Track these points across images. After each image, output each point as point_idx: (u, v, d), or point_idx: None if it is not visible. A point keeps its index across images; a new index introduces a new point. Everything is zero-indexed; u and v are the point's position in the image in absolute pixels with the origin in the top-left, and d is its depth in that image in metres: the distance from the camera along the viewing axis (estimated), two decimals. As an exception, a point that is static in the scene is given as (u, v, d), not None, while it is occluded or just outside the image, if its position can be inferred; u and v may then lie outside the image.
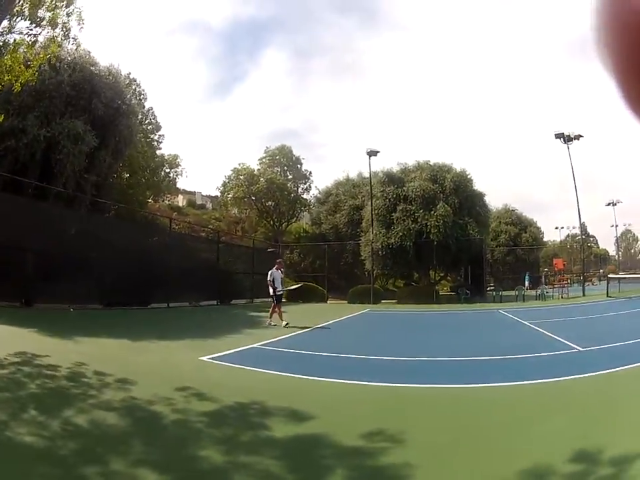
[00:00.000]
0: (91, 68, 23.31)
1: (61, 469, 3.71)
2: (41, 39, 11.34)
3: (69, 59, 21.93)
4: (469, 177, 35.12)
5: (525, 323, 16.34)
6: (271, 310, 15.84)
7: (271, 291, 15.91)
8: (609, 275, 36.61)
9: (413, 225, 32.47)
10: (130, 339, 10.93)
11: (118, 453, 4.06)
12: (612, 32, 0.40)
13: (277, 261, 17.34)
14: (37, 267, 15.96)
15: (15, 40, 10.45)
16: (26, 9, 10.24)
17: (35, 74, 10.87)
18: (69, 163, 20.37)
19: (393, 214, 33.47)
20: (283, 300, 17.92)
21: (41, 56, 10.90)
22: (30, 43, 10.71)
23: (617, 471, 3.63)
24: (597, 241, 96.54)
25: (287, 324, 14.84)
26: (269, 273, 16.28)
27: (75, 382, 6.37)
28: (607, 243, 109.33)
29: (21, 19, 10.53)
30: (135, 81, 33.53)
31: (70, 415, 4.97)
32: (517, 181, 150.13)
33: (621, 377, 7.08)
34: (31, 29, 10.77)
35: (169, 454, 4.19)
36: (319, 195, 48.51)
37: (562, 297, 31.68)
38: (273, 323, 15.34)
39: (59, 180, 20.26)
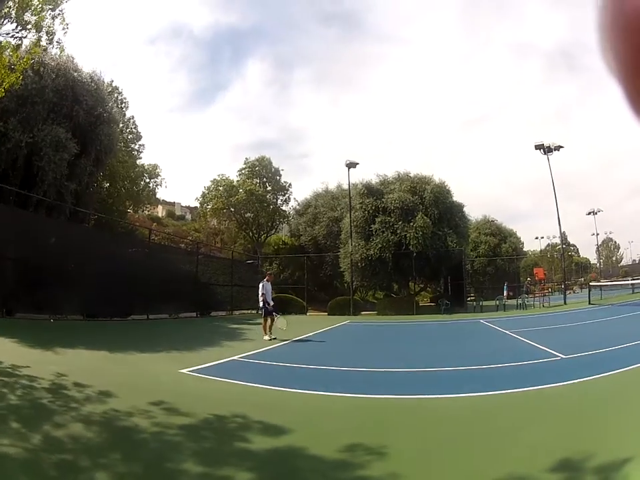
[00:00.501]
0: (74, 74, 23.12)
1: None
2: (26, 42, 11.27)
3: (53, 64, 21.78)
4: (448, 188, 35.35)
5: (506, 332, 16.42)
6: (269, 323, 15.52)
7: (262, 303, 15.72)
8: (590, 283, 36.91)
9: (392, 237, 32.54)
10: (110, 351, 10.80)
11: (98, 466, 4.03)
12: (615, 34, 0.39)
13: (267, 273, 17.21)
14: (18, 276, 15.69)
15: (0, 43, 10.36)
16: (13, 11, 10.15)
17: (19, 77, 10.77)
18: (50, 170, 20.16)
19: (372, 225, 33.52)
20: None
21: (25, 59, 10.79)
22: (15, 46, 10.61)
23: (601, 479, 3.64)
24: (577, 249, 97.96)
25: (270, 339, 14.72)
26: (261, 285, 16.00)
27: (55, 394, 6.30)
28: (589, 252, 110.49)
29: (8, 22, 10.42)
30: (117, 89, 33.63)
31: (50, 427, 4.93)
32: (495, 191, 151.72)
33: (604, 384, 7.14)
34: (17, 32, 10.67)
35: (148, 467, 4.17)
36: (298, 207, 48.76)
37: (543, 306, 31.96)
38: (272, 337, 15.04)
39: (40, 187, 20.08)
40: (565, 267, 43.61)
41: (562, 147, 34.43)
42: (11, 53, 10.50)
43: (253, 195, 46.25)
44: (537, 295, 35.99)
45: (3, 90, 10.43)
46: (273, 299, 16.09)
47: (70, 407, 5.72)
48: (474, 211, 76.12)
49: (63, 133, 20.96)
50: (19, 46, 10.83)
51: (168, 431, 5.12)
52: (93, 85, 24.17)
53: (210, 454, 4.55)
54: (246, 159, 51.21)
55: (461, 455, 4.55)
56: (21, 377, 7.04)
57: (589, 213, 65.19)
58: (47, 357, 9.29)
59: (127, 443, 4.76)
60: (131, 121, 35.85)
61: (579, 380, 7.39)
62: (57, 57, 21.39)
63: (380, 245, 32.58)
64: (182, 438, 4.95)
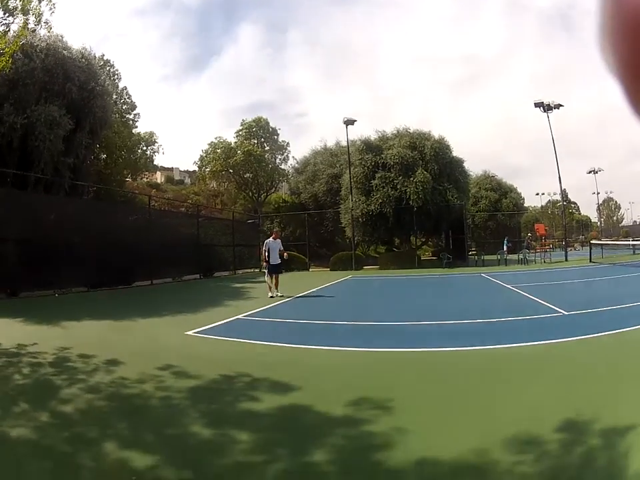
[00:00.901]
0: (64, 52, 22.75)
1: (52, 459, 3.69)
2: (14, 27, 11.09)
3: (42, 45, 21.48)
4: (447, 143, 34.98)
5: (508, 286, 16.37)
6: (274, 281, 15.49)
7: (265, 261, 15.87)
8: (591, 241, 36.71)
9: (393, 192, 32.38)
10: (115, 319, 10.84)
11: (108, 436, 4.06)
12: (614, 33, 0.39)
13: (273, 231, 17.15)
14: (20, 256, 15.81)
15: None
16: None
17: (9, 61, 10.64)
18: (45, 148, 20.15)
19: (372, 181, 33.30)
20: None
21: (14, 43, 10.62)
22: (3, 32, 10.46)
23: (602, 439, 3.65)
24: (578, 207, 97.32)
25: (271, 296, 14.84)
26: (265, 242, 16.14)
27: (62, 368, 6.33)
28: (589, 210, 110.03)
29: None
30: (109, 62, 33.21)
31: (58, 402, 4.97)
32: (495, 147, 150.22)
33: (606, 342, 6.97)
34: (4, 19, 10.51)
35: (157, 433, 4.20)
36: (297, 165, 48.28)
37: (544, 262, 31.95)
38: (278, 294, 15.13)
39: (37, 166, 20.10)
40: (565, 224, 43.29)
41: (562, 105, 34.03)
42: None
43: (251, 155, 45.94)
44: (538, 250, 36.00)
45: None
46: (281, 257, 16.03)
47: (78, 379, 5.74)
48: (474, 167, 75.71)
49: (57, 110, 20.84)
50: (6, 32, 10.65)
51: (177, 395, 5.18)
52: (83, 60, 23.86)
53: (218, 415, 4.62)
54: (243, 120, 50.98)
55: (466, 409, 4.65)
56: (26, 355, 7.07)
57: (590, 172, 64.83)
58: (52, 332, 9.29)
59: (137, 410, 4.82)
60: (124, 91, 35.37)
61: (581, 337, 7.26)
62: (46, 37, 21.21)
63: (380, 200, 32.48)
64: (191, 401, 5.02)
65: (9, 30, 10.83)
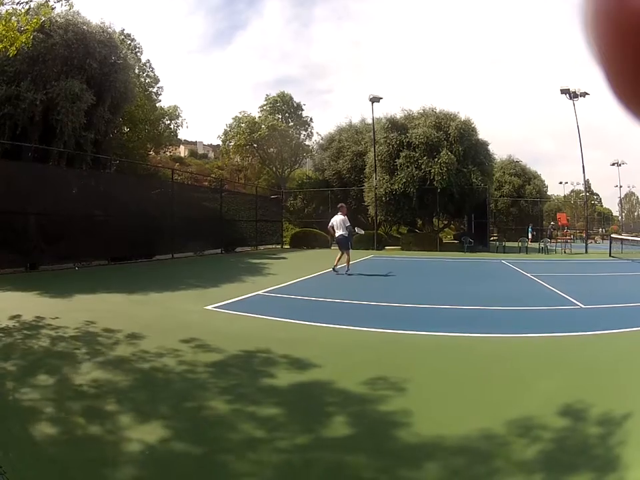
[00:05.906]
0: (84, 27, 22.58)
1: (68, 430, 3.71)
2: (33, 4, 11.05)
3: (60, 20, 21.37)
4: (473, 125, 34.34)
5: (528, 275, 16.18)
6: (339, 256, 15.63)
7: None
8: (611, 235, 36.07)
9: (417, 172, 32.05)
10: (135, 293, 10.92)
11: (125, 408, 4.12)
12: (599, 24, 0.39)
13: (338, 206, 16.79)
14: (40, 230, 15.93)
15: (6, 11, 10.20)
16: None
17: (29, 38, 10.60)
18: (68, 121, 20.17)
19: (397, 160, 32.95)
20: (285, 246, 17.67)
21: (35, 21, 10.58)
22: (23, 11, 10.42)
23: (606, 431, 3.65)
24: (600, 199, 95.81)
25: (335, 269, 15.19)
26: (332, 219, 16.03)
27: (80, 341, 6.34)
28: (611, 203, 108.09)
29: None
30: (130, 36, 33.23)
31: (76, 374, 5.00)
32: (520, 132, 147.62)
33: (623, 339, 6.86)
34: None
35: (175, 406, 4.26)
36: (321, 141, 47.86)
37: (565, 252, 31.58)
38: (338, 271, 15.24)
39: (59, 140, 20.15)
40: (587, 215, 42.44)
41: (588, 93, 33.20)
42: (18, 18, 10.29)
43: (276, 130, 45.86)
44: (559, 240, 35.58)
45: (14, 49, 10.27)
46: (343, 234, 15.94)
47: (97, 352, 5.82)
48: (497, 150, 74.73)
49: (78, 85, 20.81)
50: (27, 10, 10.60)
51: (195, 369, 5.25)
52: (105, 34, 23.63)
53: (234, 390, 4.67)
54: (267, 95, 50.95)
55: (476, 395, 4.70)
56: (41, 327, 7.10)
57: (613, 164, 63.79)
58: (71, 304, 9.34)
59: (154, 383, 4.89)
60: (147, 64, 35.36)
61: (597, 332, 7.19)
62: (64, 12, 21.06)
63: (404, 180, 32.17)
64: (209, 375, 5.08)
65: (29, 8, 10.78)
